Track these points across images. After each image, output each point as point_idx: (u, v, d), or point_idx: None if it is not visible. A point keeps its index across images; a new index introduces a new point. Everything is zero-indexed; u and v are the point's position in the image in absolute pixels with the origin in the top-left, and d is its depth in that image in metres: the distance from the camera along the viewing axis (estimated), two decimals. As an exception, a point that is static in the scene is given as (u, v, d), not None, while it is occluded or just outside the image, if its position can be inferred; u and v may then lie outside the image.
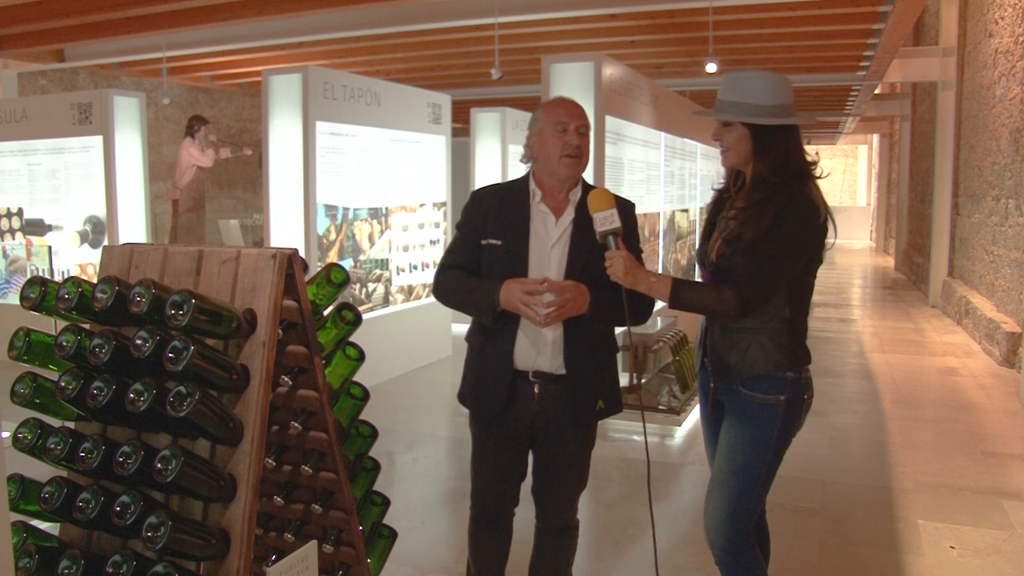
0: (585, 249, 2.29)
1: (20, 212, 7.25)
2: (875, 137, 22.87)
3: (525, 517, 2.59)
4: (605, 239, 2.19)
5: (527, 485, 2.54)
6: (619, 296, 2.22)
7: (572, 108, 2.36)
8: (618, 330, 2.72)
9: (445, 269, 2.42)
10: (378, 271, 6.36)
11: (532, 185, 2.38)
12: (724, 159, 2.32)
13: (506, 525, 2.57)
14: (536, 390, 2.33)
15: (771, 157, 2.20)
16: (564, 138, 2.29)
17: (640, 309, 2.35)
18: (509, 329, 2.32)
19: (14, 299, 6.79)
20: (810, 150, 2.29)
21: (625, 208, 2.36)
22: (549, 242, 2.32)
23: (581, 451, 2.46)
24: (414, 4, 6.78)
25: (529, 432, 2.41)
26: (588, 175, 2.45)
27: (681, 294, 2.20)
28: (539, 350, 2.31)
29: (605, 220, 2.18)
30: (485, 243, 2.34)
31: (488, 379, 2.38)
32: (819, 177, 2.26)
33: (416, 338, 6.86)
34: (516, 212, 2.34)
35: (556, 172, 2.32)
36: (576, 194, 2.36)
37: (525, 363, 2.33)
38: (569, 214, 2.34)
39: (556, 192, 2.36)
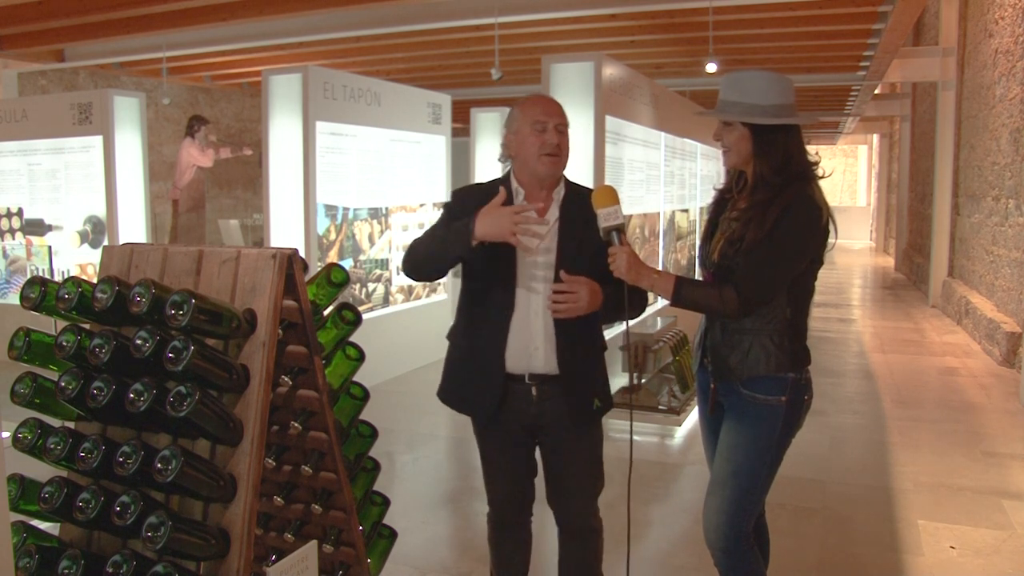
0: (572, 247, 2.27)
1: (20, 212, 7.24)
2: (875, 137, 22.87)
3: (551, 522, 2.56)
4: (608, 235, 2.18)
5: (541, 485, 2.50)
6: (618, 291, 2.21)
7: (550, 106, 2.32)
8: (612, 329, 2.70)
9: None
10: (378, 271, 6.36)
11: (514, 184, 2.35)
12: (725, 159, 2.32)
13: (525, 524, 2.56)
14: (534, 392, 2.31)
15: (772, 157, 2.20)
16: (543, 137, 2.25)
17: (634, 303, 2.31)
18: (499, 331, 2.29)
19: (14, 299, 6.78)
20: (811, 150, 2.29)
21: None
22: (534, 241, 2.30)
23: (589, 451, 2.43)
24: (414, 4, 6.78)
25: (531, 432, 2.40)
26: (589, 175, 2.44)
27: (683, 292, 2.20)
28: (531, 352, 2.29)
29: (609, 216, 2.17)
30: None
31: (477, 383, 2.36)
32: (821, 177, 2.26)
33: (416, 338, 6.85)
34: None
35: (535, 171, 2.29)
36: (559, 192, 2.34)
37: (518, 366, 2.30)
38: (553, 213, 2.32)
39: (537, 191, 2.33)
